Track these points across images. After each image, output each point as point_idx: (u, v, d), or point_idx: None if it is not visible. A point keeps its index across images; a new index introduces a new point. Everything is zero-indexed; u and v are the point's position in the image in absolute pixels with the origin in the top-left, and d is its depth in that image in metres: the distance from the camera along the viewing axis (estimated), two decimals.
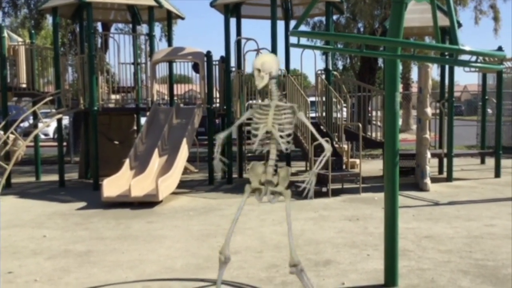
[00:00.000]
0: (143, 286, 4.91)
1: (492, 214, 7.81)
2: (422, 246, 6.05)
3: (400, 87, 5.00)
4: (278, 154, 4.03)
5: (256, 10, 13.08)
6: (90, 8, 10.96)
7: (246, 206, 8.54)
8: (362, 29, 19.09)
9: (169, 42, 13.27)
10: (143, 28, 16.59)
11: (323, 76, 11.72)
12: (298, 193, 9.79)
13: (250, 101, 3.63)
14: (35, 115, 11.95)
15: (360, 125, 10.38)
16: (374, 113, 12.61)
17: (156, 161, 10.05)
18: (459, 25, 12.23)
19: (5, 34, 11.88)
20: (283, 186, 4.03)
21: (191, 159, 12.23)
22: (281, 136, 3.90)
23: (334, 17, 14.74)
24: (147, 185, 9.33)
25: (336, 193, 9.64)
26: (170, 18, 12.93)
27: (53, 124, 16.01)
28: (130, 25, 14.64)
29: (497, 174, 11.67)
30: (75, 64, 13.47)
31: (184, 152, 10.18)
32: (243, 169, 12.59)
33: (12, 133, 10.72)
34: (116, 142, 12.62)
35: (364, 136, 10.83)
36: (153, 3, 11.46)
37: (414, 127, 21.53)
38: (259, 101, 4.12)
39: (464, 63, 3.62)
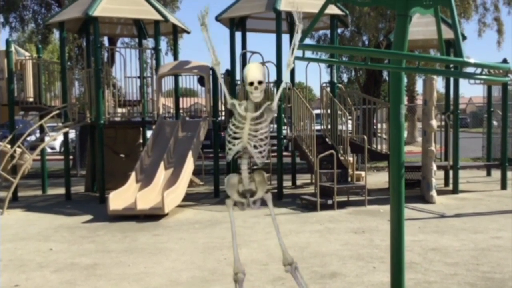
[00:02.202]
0: None
1: (499, 226, 7.77)
2: (428, 259, 6.02)
3: (405, 100, 5.01)
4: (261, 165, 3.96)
5: (261, 24, 13.17)
6: (96, 23, 11.07)
7: (251, 219, 8.58)
8: (366, 42, 19.15)
9: (175, 56, 13.36)
10: (149, 42, 16.72)
11: (328, 89, 11.75)
12: (303, 205, 9.81)
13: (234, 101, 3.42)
14: (42, 128, 12.03)
15: (365, 137, 10.39)
16: (379, 125, 12.61)
17: (162, 174, 10.08)
18: (464, 37, 12.27)
19: (13, 49, 12.01)
20: (262, 191, 3.96)
21: (196, 172, 12.25)
22: (256, 151, 3.83)
23: (339, 31, 14.81)
24: (153, 198, 9.35)
25: (341, 205, 9.62)
26: (176, 32, 13.03)
27: (60, 138, 16.09)
28: (136, 39, 14.76)
29: (503, 186, 11.62)
30: (81, 78, 13.57)
31: (189, 165, 10.21)
32: None
33: (19, 146, 10.78)
34: (122, 155, 12.67)
35: (369, 148, 10.84)
36: (159, 18, 11.56)
37: (419, 139, 21.51)
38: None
39: (469, 76, 3.63)
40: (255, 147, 3.80)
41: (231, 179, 3.92)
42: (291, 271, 4.07)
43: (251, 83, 3.66)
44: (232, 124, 3.84)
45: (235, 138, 3.82)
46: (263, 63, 11.69)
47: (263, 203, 4.04)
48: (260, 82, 3.66)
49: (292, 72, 13.20)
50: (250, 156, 3.87)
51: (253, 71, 3.69)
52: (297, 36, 3.69)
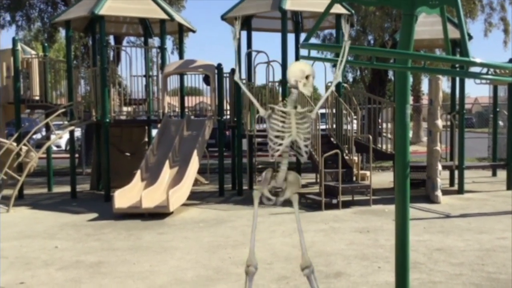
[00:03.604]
0: None
1: (504, 226, 7.74)
2: (433, 259, 6.01)
3: (410, 99, 5.01)
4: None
5: (267, 23, 13.17)
6: (102, 22, 11.10)
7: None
8: (372, 42, 19.13)
9: (181, 55, 13.38)
10: (155, 41, 16.75)
11: (334, 88, 11.73)
12: (308, 205, 9.81)
13: (271, 105, 3.44)
14: (47, 127, 12.08)
15: (371, 137, 10.38)
16: (384, 125, 12.59)
17: (167, 172, 10.10)
18: (470, 37, 12.23)
19: (19, 47, 12.05)
20: (290, 191, 3.95)
21: (201, 171, 12.27)
22: (304, 145, 3.81)
23: None
24: (158, 196, 9.37)
25: (346, 205, 9.62)
26: (181, 31, 13.05)
27: (66, 136, 16.14)
28: (142, 38, 14.79)
29: (509, 187, 11.58)
30: (87, 76, 13.62)
31: (194, 163, 10.23)
32: (253, 180, 12.60)
33: (25, 144, 10.83)
34: (128, 154, 12.70)
35: (374, 148, 10.82)
36: (165, 17, 11.58)
37: (424, 139, 21.45)
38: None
39: (475, 75, 3.62)
40: (304, 140, 3.77)
41: (267, 174, 3.92)
42: (308, 274, 4.05)
43: (305, 77, 3.65)
44: (274, 121, 3.75)
45: (283, 133, 3.77)
46: (268, 63, 11.71)
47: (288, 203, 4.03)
48: (307, 77, 3.62)
49: None
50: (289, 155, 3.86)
51: (292, 71, 3.68)
52: (345, 53, 3.66)
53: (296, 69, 3.64)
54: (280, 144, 3.74)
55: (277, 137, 3.76)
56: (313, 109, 3.82)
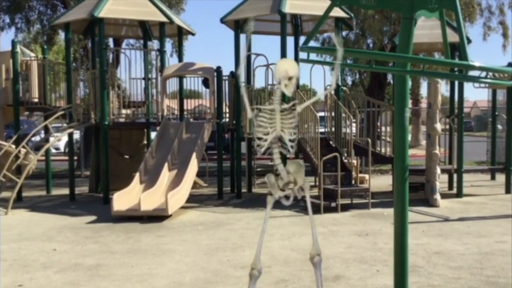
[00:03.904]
0: None
1: (503, 230, 7.75)
2: (432, 262, 6.01)
3: (409, 103, 5.01)
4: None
5: (266, 26, 13.19)
6: (102, 24, 11.11)
7: (255, 221, 8.59)
8: (371, 45, 19.15)
9: (180, 58, 13.39)
10: (154, 44, 16.74)
11: (333, 92, 11.75)
12: (306, 208, 9.81)
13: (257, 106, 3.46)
14: (46, 129, 12.07)
15: (370, 140, 10.38)
16: (383, 128, 12.60)
17: (165, 175, 10.09)
18: (469, 41, 12.25)
19: (18, 50, 12.05)
20: (301, 178, 3.94)
21: (200, 174, 12.26)
22: (289, 140, 3.84)
23: (344, 33, 14.82)
24: (156, 199, 9.36)
25: (345, 208, 9.61)
26: (180, 34, 13.06)
27: (64, 138, 16.12)
28: (141, 41, 14.80)
29: (508, 190, 11.59)
30: (86, 79, 13.62)
31: (193, 166, 10.22)
32: (252, 183, 12.60)
33: (23, 147, 10.82)
34: (126, 156, 12.69)
35: (373, 151, 10.82)
36: (164, 19, 11.59)
37: (423, 142, 21.46)
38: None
39: (474, 79, 3.62)
40: (288, 134, 3.79)
41: (270, 179, 3.92)
42: (318, 262, 4.05)
43: (288, 77, 3.66)
44: (260, 118, 3.78)
45: (268, 129, 3.79)
46: (267, 66, 11.72)
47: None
48: (290, 78, 3.65)
49: None
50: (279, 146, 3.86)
51: (278, 69, 3.69)
52: (338, 63, 3.69)
53: (282, 68, 3.65)
54: (265, 140, 3.77)
55: (263, 133, 3.79)
56: (295, 102, 3.83)
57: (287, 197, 3.95)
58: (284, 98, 3.78)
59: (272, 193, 3.94)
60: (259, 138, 3.81)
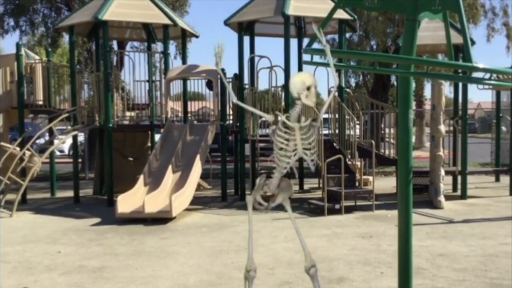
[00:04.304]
0: None
1: (507, 232, 7.72)
2: (436, 264, 6.00)
3: (413, 105, 5.01)
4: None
5: (270, 28, 13.20)
6: (106, 27, 11.14)
7: (259, 223, 8.59)
8: (375, 47, 19.12)
9: (184, 60, 13.41)
10: (158, 46, 16.79)
11: (336, 93, 11.75)
12: (311, 210, 9.80)
13: (277, 112, 3.43)
14: (51, 131, 12.11)
15: (373, 142, 10.37)
16: (387, 130, 12.59)
17: (169, 177, 10.10)
18: (472, 42, 12.23)
19: (23, 52, 12.09)
20: (282, 197, 3.94)
21: (204, 176, 12.27)
22: (310, 159, 3.81)
23: (347, 35, 14.82)
24: (160, 201, 9.38)
25: (349, 210, 9.60)
26: (184, 36, 13.08)
27: (69, 141, 16.16)
28: (145, 43, 14.84)
29: None
30: (91, 81, 13.66)
31: (197, 168, 10.23)
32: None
33: (28, 149, 10.85)
34: (131, 159, 12.71)
35: (377, 153, 10.81)
36: (168, 22, 11.62)
37: (427, 144, 21.43)
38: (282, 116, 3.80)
39: (478, 81, 3.62)
40: (309, 154, 3.79)
41: (260, 180, 3.94)
42: (314, 274, 4.05)
43: (307, 87, 3.64)
44: (278, 138, 3.76)
45: (288, 151, 3.76)
46: (271, 68, 11.72)
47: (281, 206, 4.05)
48: (308, 88, 3.62)
49: None
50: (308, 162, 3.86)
51: (293, 83, 3.66)
52: (330, 59, 3.69)
53: (297, 81, 3.63)
54: (288, 163, 3.77)
55: (283, 155, 3.78)
56: (316, 117, 3.83)
57: (260, 204, 3.98)
58: (299, 116, 3.74)
59: (252, 193, 3.95)
60: (279, 160, 3.80)
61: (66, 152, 23.42)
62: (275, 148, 3.81)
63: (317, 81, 3.67)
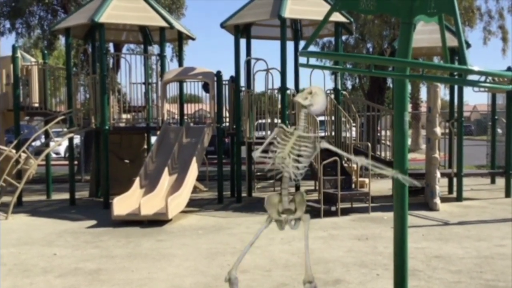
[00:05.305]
0: None
1: (503, 234, 7.75)
2: (432, 266, 6.01)
3: (409, 107, 5.03)
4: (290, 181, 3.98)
5: (266, 31, 13.22)
6: (102, 29, 11.14)
7: (255, 225, 8.60)
8: (371, 50, 19.19)
9: (180, 62, 13.41)
10: (154, 49, 16.80)
11: (332, 96, 11.78)
12: (307, 212, 9.80)
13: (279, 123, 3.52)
14: (47, 134, 12.09)
15: (369, 144, 10.39)
16: (383, 132, 12.62)
17: (166, 179, 10.10)
18: (468, 45, 12.29)
19: (19, 54, 12.08)
20: (301, 211, 4.02)
21: (200, 178, 12.27)
22: (295, 167, 3.84)
23: (343, 38, 14.85)
24: (156, 203, 9.37)
25: (345, 212, 9.62)
26: (181, 38, 13.09)
27: (65, 143, 16.14)
28: (142, 46, 14.84)
29: (508, 194, 11.59)
30: (87, 84, 13.64)
31: (193, 170, 10.23)
32: (252, 188, 12.61)
33: (24, 151, 10.83)
34: (127, 161, 12.70)
35: (373, 155, 10.84)
36: (165, 24, 11.63)
37: (423, 146, 21.47)
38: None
39: (473, 83, 3.64)
40: (294, 160, 3.80)
41: (272, 199, 3.98)
42: None
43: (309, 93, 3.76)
44: (279, 136, 3.86)
45: (278, 148, 3.81)
46: (267, 70, 11.74)
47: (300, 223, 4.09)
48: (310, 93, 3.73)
49: (297, 79, 13.25)
50: (290, 177, 3.88)
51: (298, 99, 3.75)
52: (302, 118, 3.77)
53: (301, 94, 3.74)
54: (270, 158, 3.80)
55: (272, 151, 3.84)
56: (321, 141, 3.90)
57: (280, 222, 4.03)
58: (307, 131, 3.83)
59: (269, 213, 3.99)
60: (271, 152, 3.84)
61: (62, 154, 23.38)
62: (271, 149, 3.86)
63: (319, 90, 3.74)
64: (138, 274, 5.91)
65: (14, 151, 11.15)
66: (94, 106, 11.68)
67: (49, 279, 5.80)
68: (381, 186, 13.13)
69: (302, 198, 3.98)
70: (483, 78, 3.70)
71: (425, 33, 10.80)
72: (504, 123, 13.01)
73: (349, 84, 25.02)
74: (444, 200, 10.55)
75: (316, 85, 3.85)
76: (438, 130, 10.41)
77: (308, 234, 4.09)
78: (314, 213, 9.60)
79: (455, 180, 11.42)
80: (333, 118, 11.57)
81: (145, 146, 13.06)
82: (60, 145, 17.05)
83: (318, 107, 3.76)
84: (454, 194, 11.41)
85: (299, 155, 3.82)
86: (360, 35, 18.45)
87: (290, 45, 12.63)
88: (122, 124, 12.62)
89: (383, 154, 11.49)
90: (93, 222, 9.26)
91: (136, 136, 13.02)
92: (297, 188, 13.03)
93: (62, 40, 19.09)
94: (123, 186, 10.17)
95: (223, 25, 11.74)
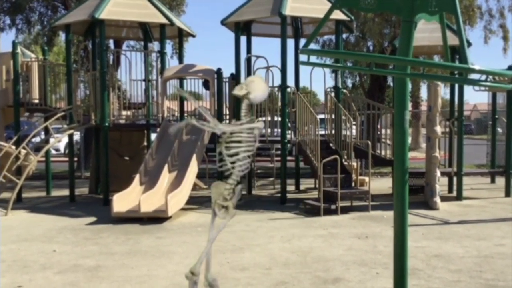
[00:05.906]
0: None
1: (503, 233, 7.75)
2: (431, 265, 6.01)
3: (409, 105, 5.01)
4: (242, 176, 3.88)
5: (266, 29, 13.20)
6: (102, 26, 11.12)
7: (255, 223, 8.60)
8: (371, 48, 19.16)
9: (180, 59, 13.40)
10: (155, 46, 16.77)
11: (333, 94, 11.77)
12: (307, 210, 9.80)
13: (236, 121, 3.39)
14: (46, 130, 12.07)
15: (370, 143, 10.39)
16: (383, 131, 12.61)
17: (165, 177, 10.09)
18: (469, 44, 12.27)
19: (19, 51, 12.06)
20: (232, 202, 3.93)
21: (200, 175, 12.26)
22: (227, 155, 3.73)
23: (344, 36, 14.83)
24: (156, 200, 9.36)
25: (345, 210, 9.61)
26: (181, 35, 13.07)
27: (65, 140, 16.13)
28: (142, 43, 14.82)
29: (507, 193, 11.58)
30: (87, 80, 13.62)
31: (193, 168, 10.22)
32: (252, 185, 12.60)
33: (24, 148, 10.82)
34: (127, 158, 12.70)
35: (373, 154, 10.83)
36: (165, 21, 11.61)
37: (423, 145, 21.47)
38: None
39: (474, 82, 3.63)
40: (228, 155, 3.72)
41: (219, 187, 3.92)
42: (190, 282, 3.94)
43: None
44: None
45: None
46: (267, 68, 11.73)
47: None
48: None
49: (297, 77, 13.24)
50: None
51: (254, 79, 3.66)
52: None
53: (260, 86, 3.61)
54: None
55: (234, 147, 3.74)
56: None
57: (215, 213, 3.96)
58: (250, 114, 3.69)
59: (214, 199, 3.91)
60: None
61: (62, 150, 23.38)
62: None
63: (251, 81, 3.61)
64: (138, 271, 5.91)
65: (14, 147, 11.14)
66: (94, 102, 11.67)
67: (48, 275, 5.80)
68: (381, 185, 13.13)
69: (239, 191, 3.88)
70: (483, 77, 3.69)
71: (426, 32, 10.79)
72: (504, 122, 13.00)
73: (349, 82, 24.99)
74: (444, 199, 10.55)
75: (256, 75, 3.76)
76: (438, 129, 10.41)
77: (223, 228, 3.92)
78: (314, 211, 9.60)
79: (455, 179, 11.41)
80: (333, 116, 11.56)
81: (145, 143, 13.05)
82: (60, 142, 17.03)
83: (256, 93, 3.58)
84: (454, 193, 11.40)
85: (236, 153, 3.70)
86: (360, 33, 18.42)
87: (290, 42, 12.63)
88: (122, 121, 12.60)
89: (383, 153, 11.48)
90: (93, 218, 9.26)
91: (136, 133, 13.01)
92: (297, 182, 13.07)
93: (62, 36, 19.10)
94: (123, 183, 10.16)
95: (223, 22, 11.72)
